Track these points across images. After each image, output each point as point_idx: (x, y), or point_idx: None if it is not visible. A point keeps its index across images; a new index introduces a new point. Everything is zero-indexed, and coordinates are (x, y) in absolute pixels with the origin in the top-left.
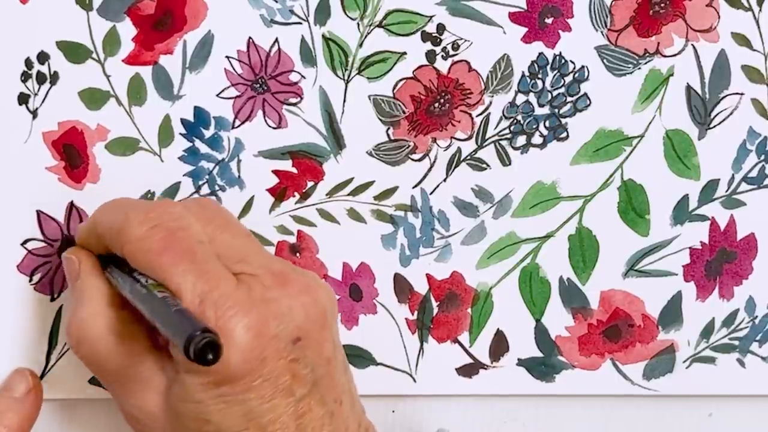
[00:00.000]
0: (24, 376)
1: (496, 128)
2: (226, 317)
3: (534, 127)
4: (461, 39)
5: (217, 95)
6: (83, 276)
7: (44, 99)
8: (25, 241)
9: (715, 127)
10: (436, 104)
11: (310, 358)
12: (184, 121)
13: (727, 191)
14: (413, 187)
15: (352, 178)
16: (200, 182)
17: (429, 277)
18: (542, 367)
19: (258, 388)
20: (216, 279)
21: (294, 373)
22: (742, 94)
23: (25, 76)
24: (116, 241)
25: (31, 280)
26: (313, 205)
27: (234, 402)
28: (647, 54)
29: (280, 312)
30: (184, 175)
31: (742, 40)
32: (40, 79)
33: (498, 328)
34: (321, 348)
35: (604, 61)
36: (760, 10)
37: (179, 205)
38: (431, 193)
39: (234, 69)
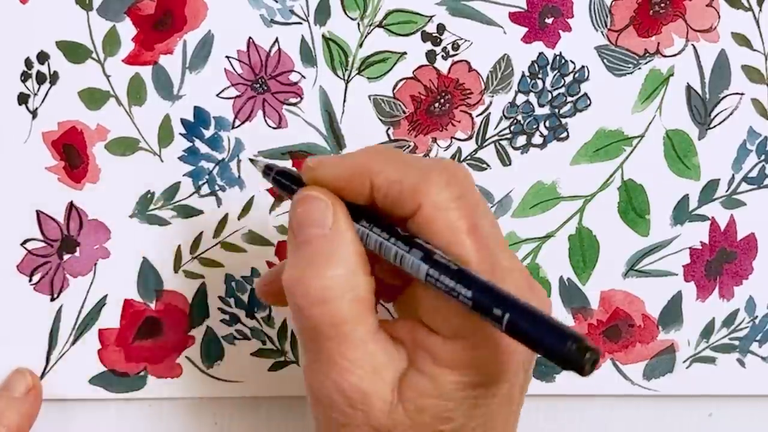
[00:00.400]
0: (23, 375)
1: (496, 128)
2: (523, 290)
3: (534, 127)
4: (461, 39)
5: (217, 95)
6: (340, 227)
7: (44, 99)
8: (25, 241)
9: (715, 127)
10: (436, 104)
11: (529, 373)
12: (184, 121)
13: (727, 191)
14: None
15: None
16: (200, 182)
17: None
18: (542, 367)
19: (503, 395)
20: (501, 275)
21: (522, 387)
22: (742, 94)
23: (24, 76)
24: (409, 200)
25: (30, 280)
26: None
27: (481, 404)
28: (647, 54)
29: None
30: (184, 175)
31: (742, 40)
32: (40, 79)
33: None
34: (531, 367)
35: (604, 61)
36: (760, 10)
37: (463, 170)
38: None
39: (234, 69)
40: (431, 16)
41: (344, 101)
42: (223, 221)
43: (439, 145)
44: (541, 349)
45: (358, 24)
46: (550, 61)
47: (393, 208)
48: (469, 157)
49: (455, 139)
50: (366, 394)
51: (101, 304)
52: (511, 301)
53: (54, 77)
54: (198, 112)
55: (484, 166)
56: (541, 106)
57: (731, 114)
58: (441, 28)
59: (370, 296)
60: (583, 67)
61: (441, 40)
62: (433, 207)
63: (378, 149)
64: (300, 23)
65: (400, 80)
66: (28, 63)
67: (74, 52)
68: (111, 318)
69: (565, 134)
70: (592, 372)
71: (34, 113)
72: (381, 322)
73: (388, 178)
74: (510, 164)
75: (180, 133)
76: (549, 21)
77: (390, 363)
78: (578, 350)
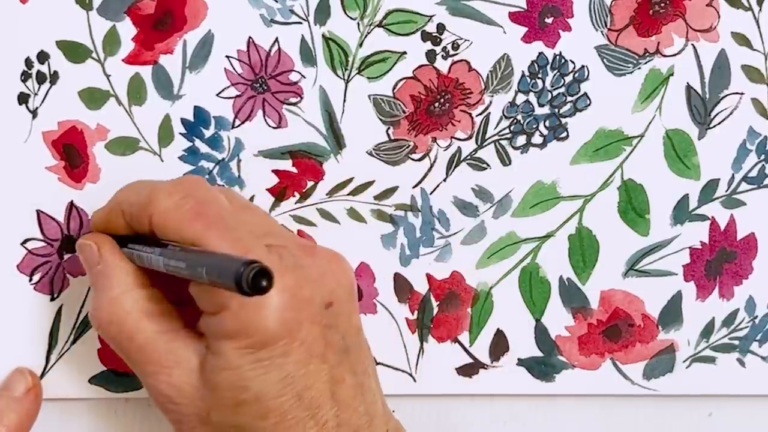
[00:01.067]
0: (23, 375)
1: (496, 128)
2: None
3: (534, 126)
4: (461, 39)
5: (217, 95)
6: (106, 258)
7: (44, 99)
8: (25, 241)
9: (715, 126)
10: (436, 104)
11: (341, 326)
12: (184, 121)
13: (727, 191)
14: (413, 187)
15: (352, 178)
16: None
17: (429, 276)
18: (542, 367)
19: (295, 352)
20: (248, 245)
21: (327, 340)
22: (742, 93)
23: (25, 76)
24: (143, 214)
25: (31, 280)
26: (313, 204)
27: (272, 367)
28: (647, 54)
29: (312, 276)
30: (184, 175)
31: (742, 39)
32: (40, 78)
33: (498, 328)
34: (350, 316)
35: (604, 60)
36: (760, 9)
37: (203, 180)
38: (431, 193)
39: (234, 69)
40: (431, 16)
41: (344, 101)
42: None
43: (439, 145)
44: (226, 282)
45: (358, 24)
46: (550, 60)
47: (140, 227)
48: (468, 157)
49: (455, 138)
50: (179, 388)
51: None
52: (206, 257)
53: (54, 77)
54: (198, 111)
55: (484, 165)
56: (541, 105)
57: (731, 114)
58: (441, 27)
59: (151, 304)
60: (582, 66)
61: (441, 40)
62: (160, 213)
63: (131, 184)
64: (300, 23)
65: (400, 80)
66: (28, 63)
67: (74, 51)
68: None
69: (565, 134)
70: (260, 287)
71: (34, 113)
72: (187, 319)
73: (129, 203)
74: (510, 164)
75: (180, 133)
76: (549, 21)
77: (192, 354)
78: (248, 269)
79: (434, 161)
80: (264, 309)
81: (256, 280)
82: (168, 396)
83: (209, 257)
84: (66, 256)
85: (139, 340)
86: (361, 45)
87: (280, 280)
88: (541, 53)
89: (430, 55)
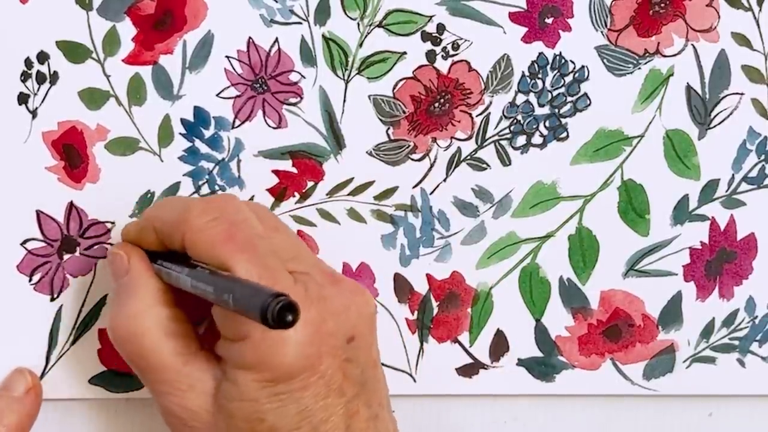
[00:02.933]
0: (23, 375)
1: (496, 128)
2: None
3: (534, 127)
4: (461, 39)
5: (217, 95)
6: (133, 271)
7: (44, 99)
8: (25, 241)
9: (715, 127)
10: (436, 104)
11: (361, 360)
12: (184, 121)
13: (727, 191)
14: (413, 187)
15: (352, 178)
16: (200, 182)
17: (429, 277)
18: (542, 367)
19: (313, 386)
20: (276, 274)
21: (346, 373)
22: (742, 94)
23: (24, 76)
24: (176, 232)
25: (30, 280)
26: (313, 205)
27: (290, 400)
28: (647, 54)
29: (336, 310)
30: (184, 175)
31: (742, 40)
32: (40, 78)
33: (498, 328)
34: (370, 349)
35: (604, 61)
36: (760, 10)
37: (237, 200)
38: (431, 193)
39: (234, 69)
40: (431, 16)
41: (344, 101)
42: None
43: (439, 145)
44: (251, 313)
45: (358, 24)
46: (550, 61)
47: (172, 244)
48: (468, 157)
49: (455, 139)
50: (192, 411)
51: (101, 304)
52: (234, 284)
53: (54, 77)
54: (198, 112)
55: (484, 166)
56: (541, 106)
57: (731, 114)
58: (441, 28)
59: (172, 324)
60: (583, 67)
61: (441, 40)
62: (192, 232)
63: (164, 201)
64: (300, 23)
65: (400, 80)
66: (28, 63)
67: (74, 52)
68: None
69: (565, 134)
70: (285, 321)
71: (34, 113)
72: (206, 341)
73: (162, 221)
74: (510, 164)
75: (180, 133)
76: (549, 21)
77: (207, 378)
78: (275, 302)
79: (434, 161)
80: (286, 343)
81: (282, 314)
82: (180, 418)
83: (238, 285)
84: (66, 257)
85: (155, 359)
86: (361, 45)
87: (304, 313)
88: (541, 53)
89: (430, 55)
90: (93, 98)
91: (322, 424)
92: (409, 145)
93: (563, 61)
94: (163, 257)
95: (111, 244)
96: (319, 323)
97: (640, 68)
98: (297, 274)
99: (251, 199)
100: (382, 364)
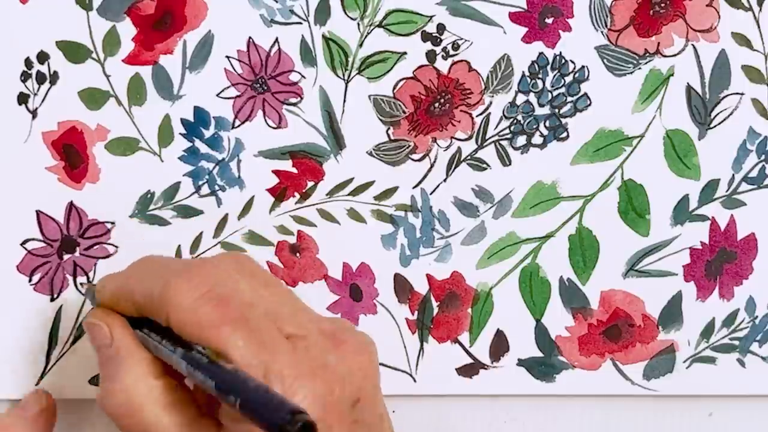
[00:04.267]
0: (39, 397)
1: (496, 128)
2: (293, 389)
3: (534, 127)
4: (461, 39)
5: (217, 95)
6: (118, 342)
7: (44, 99)
8: (25, 241)
9: (715, 127)
10: (437, 104)
11: (367, 418)
12: (184, 121)
13: (727, 191)
14: (413, 187)
15: (352, 178)
16: (200, 182)
17: (429, 277)
18: (542, 367)
19: None
20: (274, 347)
21: None
22: (742, 94)
23: (24, 76)
24: (160, 311)
25: (30, 280)
26: (313, 205)
27: None
28: (647, 54)
29: (341, 376)
30: (184, 175)
31: (742, 40)
32: (40, 78)
33: (498, 328)
34: (375, 406)
35: (605, 61)
36: (760, 10)
37: (221, 265)
38: (431, 193)
39: (234, 69)
40: (431, 16)
41: (344, 101)
42: (223, 221)
43: (439, 145)
44: (263, 424)
45: (358, 24)
46: (550, 61)
47: (155, 318)
48: (469, 157)
49: (455, 139)
50: None
51: None
52: (243, 385)
53: (54, 77)
54: (198, 112)
55: (484, 166)
56: (541, 106)
57: (731, 114)
58: (441, 28)
59: (167, 394)
60: (583, 67)
61: (441, 40)
62: (178, 313)
63: (142, 267)
64: (300, 23)
65: (400, 80)
66: (28, 63)
67: (74, 52)
68: None
69: (565, 134)
70: None
71: (34, 113)
72: (204, 403)
73: (143, 295)
74: (510, 164)
75: (180, 133)
76: (549, 21)
77: None
78: (293, 418)
79: (434, 161)
80: None
81: None
82: None
83: (245, 386)
84: (66, 257)
85: (158, 426)
86: (361, 45)
87: (310, 385)
88: (541, 53)
89: (430, 55)
90: (93, 98)
91: None
92: (409, 145)
93: (563, 61)
94: (148, 325)
95: (114, 245)
96: (326, 395)
97: (640, 68)
98: (295, 339)
99: (251, 199)
100: (382, 364)
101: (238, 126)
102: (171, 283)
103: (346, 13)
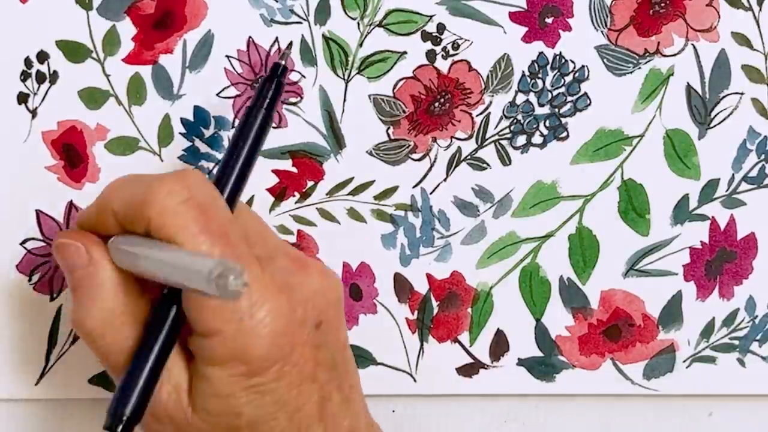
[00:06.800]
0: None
1: (496, 128)
2: (258, 304)
3: (534, 126)
4: (461, 38)
5: (217, 95)
6: (96, 260)
7: (44, 98)
8: (25, 241)
9: (715, 126)
10: (437, 104)
11: (331, 344)
12: (183, 121)
13: (727, 191)
14: (413, 187)
15: (352, 178)
16: None
17: (429, 276)
18: (542, 367)
19: (287, 375)
20: (247, 264)
21: (317, 359)
22: (742, 93)
23: (24, 76)
24: (140, 215)
25: (30, 280)
26: (313, 204)
27: (265, 391)
28: (647, 54)
29: (305, 297)
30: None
31: (742, 39)
32: (40, 78)
33: (498, 328)
34: (339, 333)
35: (604, 60)
36: (760, 9)
37: (203, 175)
38: (431, 193)
39: (234, 68)
40: (431, 16)
41: (344, 101)
42: None
43: (439, 145)
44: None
45: (358, 23)
46: (550, 60)
47: (134, 228)
48: (469, 157)
49: (455, 138)
50: (166, 407)
51: None
52: (180, 258)
53: (54, 77)
54: (198, 111)
55: (484, 165)
56: (541, 105)
57: (731, 114)
58: (441, 27)
59: (142, 314)
60: (583, 66)
61: (441, 40)
62: (160, 215)
63: (122, 179)
64: (300, 23)
65: (400, 80)
66: (27, 62)
67: (74, 51)
68: None
69: (565, 134)
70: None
71: (33, 113)
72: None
73: (121, 200)
74: (510, 164)
75: (180, 133)
76: (549, 21)
77: (181, 373)
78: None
79: (434, 161)
80: (259, 335)
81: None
82: (155, 416)
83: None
84: None
85: (124, 353)
86: (361, 45)
87: (274, 303)
88: (541, 53)
89: (430, 55)
90: (93, 98)
91: (296, 411)
92: (409, 145)
93: (563, 60)
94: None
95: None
96: (289, 312)
97: (640, 68)
98: (264, 260)
99: (251, 198)
100: (382, 364)
101: None
102: (155, 186)
103: (346, 13)
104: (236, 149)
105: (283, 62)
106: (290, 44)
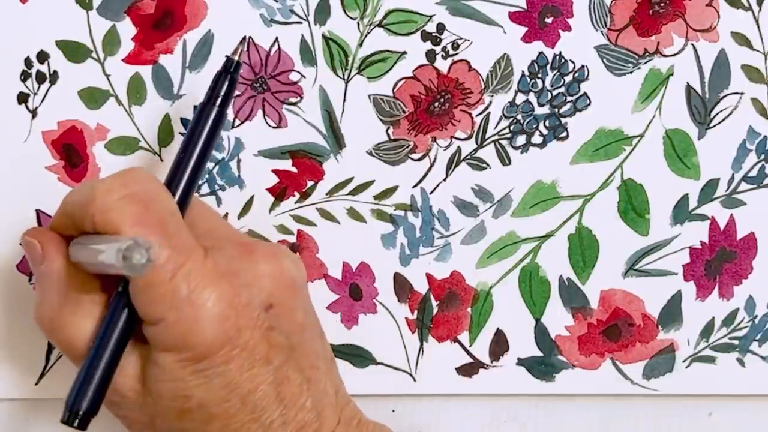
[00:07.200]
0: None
1: (496, 128)
2: (198, 290)
3: (534, 126)
4: (461, 38)
5: None
6: (50, 258)
7: (44, 98)
8: None
9: (715, 126)
10: (436, 104)
11: (284, 326)
12: (184, 121)
13: (726, 191)
14: (413, 187)
15: (352, 178)
16: (200, 182)
17: (429, 276)
18: (542, 367)
19: (236, 358)
20: (187, 252)
21: (270, 342)
22: (742, 93)
23: (24, 76)
24: (85, 214)
25: (30, 280)
26: (313, 204)
27: (214, 375)
28: (647, 54)
29: (248, 281)
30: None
31: (742, 39)
32: (40, 78)
33: (498, 328)
34: (293, 315)
35: (604, 60)
36: (760, 9)
37: (145, 171)
38: (431, 193)
39: None
40: (431, 16)
41: (344, 101)
42: None
43: (438, 145)
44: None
45: (358, 23)
46: (550, 60)
47: (84, 227)
48: (468, 157)
49: (455, 138)
50: (122, 395)
51: None
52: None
53: (54, 77)
54: None
55: (484, 165)
56: (540, 105)
57: (731, 113)
58: (441, 27)
59: (95, 309)
60: (582, 66)
61: (441, 40)
62: (101, 213)
63: (79, 185)
64: (300, 23)
65: (400, 80)
66: (27, 62)
67: (74, 51)
68: None
69: (564, 134)
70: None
71: (33, 112)
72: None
73: (72, 203)
74: (510, 164)
75: (180, 133)
76: (549, 20)
77: (135, 360)
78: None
79: (434, 161)
80: (201, 321)
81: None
82: (113, 402)
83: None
84: None
85: (82, 345)
86: (361, 45)
87: (217, 288)
88: (541, 53)
89: (430, 55)
90: (93, 98)
91: (250, 394)
92: (409, 145)
93: (563, 60)
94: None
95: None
96: (232, 296)
97: (639, 68)
98: (212, 249)
99: (251, 198)
100: (382, 364)
101: (238, 125)
102: (96, 186)
103: (346, 13)
104: (188, 148)
105: (237, 58)
106: (244, 38)
